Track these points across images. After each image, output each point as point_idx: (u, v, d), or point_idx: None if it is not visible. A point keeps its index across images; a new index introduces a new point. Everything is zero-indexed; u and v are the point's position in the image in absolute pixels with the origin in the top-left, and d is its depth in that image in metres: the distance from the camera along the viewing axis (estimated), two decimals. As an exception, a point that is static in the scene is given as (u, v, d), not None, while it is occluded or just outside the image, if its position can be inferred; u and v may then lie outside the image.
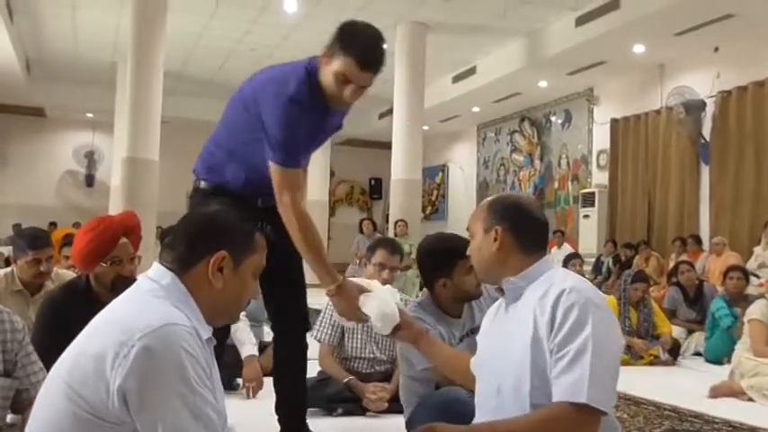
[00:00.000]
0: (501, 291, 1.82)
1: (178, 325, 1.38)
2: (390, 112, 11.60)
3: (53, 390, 1.40)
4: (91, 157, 16.25)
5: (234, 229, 1.55)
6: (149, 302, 1.44)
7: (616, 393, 1.72)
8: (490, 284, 1.89)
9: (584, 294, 1.62)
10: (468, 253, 1.90)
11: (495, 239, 1.78)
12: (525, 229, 1.79)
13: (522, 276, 1.75)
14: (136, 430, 1.33)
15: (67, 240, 4.66)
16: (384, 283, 3.63)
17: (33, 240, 3.34)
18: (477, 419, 1.80)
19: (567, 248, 10.49)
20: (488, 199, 1.90)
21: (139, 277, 1.57)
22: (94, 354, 1.35)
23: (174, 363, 1.33)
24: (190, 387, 1.34)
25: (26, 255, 3.35)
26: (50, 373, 1.46)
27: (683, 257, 8.40)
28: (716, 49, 9.53)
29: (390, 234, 10.40)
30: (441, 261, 2.76)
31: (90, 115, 15.63)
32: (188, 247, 1.53)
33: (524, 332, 1.65)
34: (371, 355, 3.69)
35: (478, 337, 1.95)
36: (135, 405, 1.31)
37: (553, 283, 1.68)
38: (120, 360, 1.32)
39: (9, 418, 2.18)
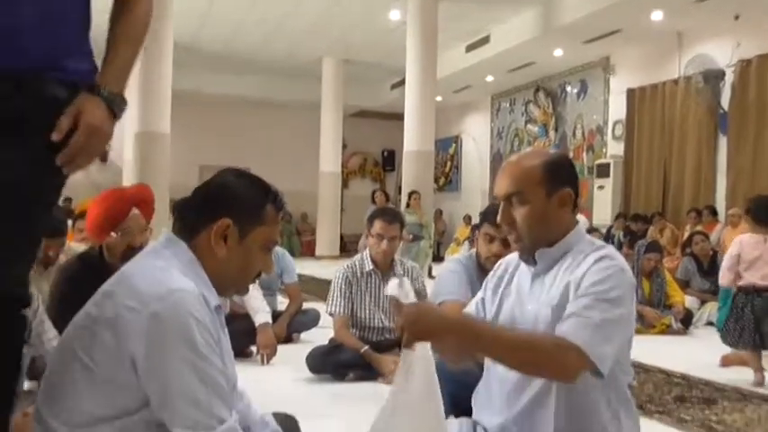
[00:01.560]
0: (528, 259, 1.75)
1: (186, 291, 1.39)
2: (403, 82, 11.52)
3: (64, 355, 1.42)
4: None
5: (242, 198, 1.54)
6: (158, 269, 1.45)
7: (632, 369, 1.73)
8: (528, 251, 1.73)
9: (619, 263, 1.64)
10: (505, 221, 1.73)
11: (565, 204, 1.70)
12: (577, 189, 1.75)
13: (559, 246, 1.70)
14: (146, 394, 1.35)
15: (83, 214, 4.70)
16: (385, 254, 3.66)
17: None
18: (493, 389, 1.78)
19: (581, 220, 10.42)
20: (535, 161, 1.72)
21: (150, 244, 1.58)
22: (104, 318, 1.38)
23: (182, 329, 1.35)
24: (197, 352, 1.36)
25: None
26: (62, 338, 1.49)
27: (698, 229, 8.34)
28: (736, 17, 9.32)
29: (403, 206, 10.40)
30: (480, 218, 2.87)
31: (103, 89, 15.63)
32: (196, 213, 1.54)
33: (552, 302, 1.64)
34: (380, 324, 3.73)
35: (488, 306, 1.87)
36: (143, 370, 1.33)
37: (588, 255, 1.66)
38: (130, 325, 1.34)
39: (26, 384, 2.23)
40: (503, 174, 1.75)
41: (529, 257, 1.75)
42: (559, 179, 1.70)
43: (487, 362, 1.82)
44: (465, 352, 1.60)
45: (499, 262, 1.94)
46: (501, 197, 1.73)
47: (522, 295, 1.77)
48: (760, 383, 3.85)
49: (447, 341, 1.52)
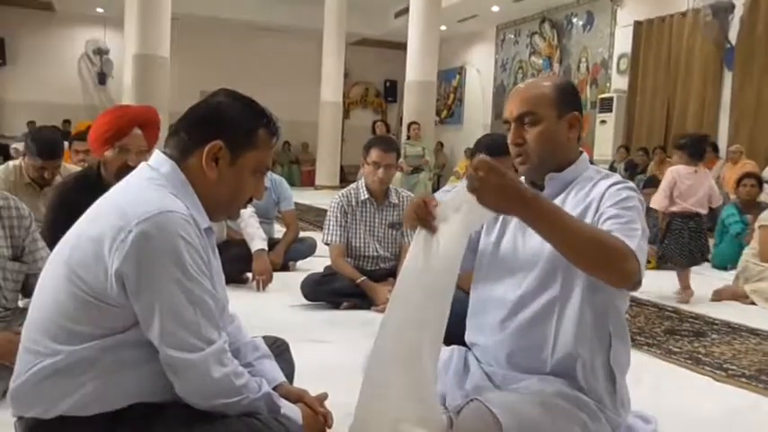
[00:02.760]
0: (534, 183, 1.78)
1: (175, 213, 1.38)
2: (407, 10, 11.26)
3: (55, 271, 1.43)
4: (102, 55, 16.02)
5: (235, 120, 1.51)
6: (147, 189, 1.44)
7: (628, 297, 1.77)
8: (536, 172, 1.75)
9: (631, 186, 1.68)
10: (515, 141, 1.74)
11: (573, 126, 1.75)
12: (582, 115, 1.79)
13: (568, 171, 1.74)
14: (134, 313, 1.36)
15: (80, 136, 4.68)
16: (381, 182, 3.66)
17: (43, 150, 3.38)
18: (488, 313, 1.81)
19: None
20: (546, 84, 1.76)
21: (140, 165, 1.56)
22: (93, 237, 1.37)
23: (171, 249, 1.35)
24: (186, 273, 1.36)
25: (34, 159, 3.39)
26: (52, 255, 1.48)
27: (699, 165, 8.29)
28: (750, -53, 9.05)
29: (403, 137, 10.32)
30: (473, 150, 2.89)
31: (100, 10, 15.31)
32: (187, 134, 1.51)
33: None
34: (375, 254, 3.74)
35: (485, 237, 1.87)
36: (132, 288, 1.33)
37: (598, 181, 1.70)
38: (117, 244, 1.33)
39: (21, 302, 2.25)
40: (514, 96, 1.78)
41: (535, 180, 1.77)
42: (569, 102, 1.76)
43: (482, 288, 1.83)
44: (533, 228, 1.51)
45: None
46: (513, 118, 1.76)
47: (514, 221, 1.78)
48: (686, 301, 4.27)
49: (512, 209, 1.48)
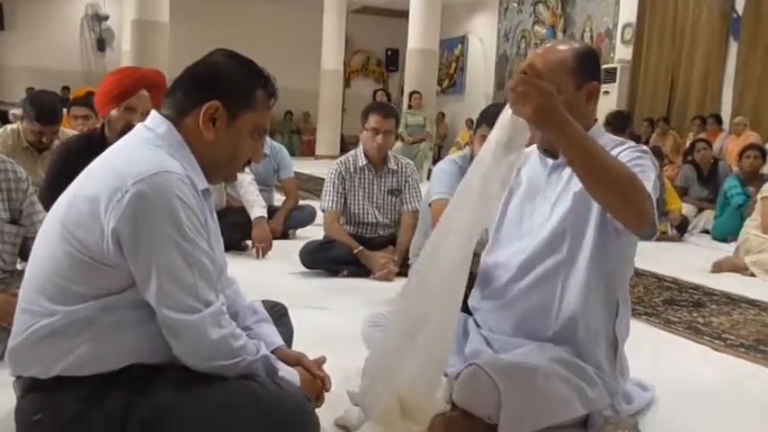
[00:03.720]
0: (547, 151, 1.77)
1: (171, 173, 1.36)
2: (409, -23, 11.10)
3: (51, 231, 1.42)
4: (101, 21, 15.85)
5: (232, 80, 1.49)
6: (144, 149, 1.43)
7: (633, 264, 1.82)
8: (550, 142, 1.71)
9: (645, 150, 1.68)
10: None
11: (591, 97, 1.71)
12: (600, 83, 1.74)
13: None
14: (131, 274, 1.35)
15: (78, 101, 4.66)
16: (379, 148, 3.63)
17: (41, 114, 3.36)
18: (495, 276, 1.81)
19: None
20: (566, 51, 1.69)
21: (137, 125, 1.55)
22: (89, 197, 1.36)
23: (167, 209, 1.33)
24: (183, 234, 1.34)
25: (32, 124, 3.37)
26: (49, 214, 1.47)
27: (702, 136, 8.24)
28: None
29: (404, 106, 10.25)
30: (478, 119, 2.82)
31: (99, -24, 15.14)
32: (184, 94, 1.49)
33: (574, 188, 1.65)
34: (374, 220, 3.72)
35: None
36: (129, 248, 1.32)
37: (612, 148, 1.67)
38: (113, 204, 1.32)
39: (19, 265, 2.25)
40: (533, 61, 1.70)
41: (549, 147, 1.75)
42: (589, 71, 1.70)
43: (488, 254, 1.83)
44: (565, 152, 1.51)
45: None
46: None
47: (535, 187, 1.78)
48: None
49: (550, 125, 1.45)
